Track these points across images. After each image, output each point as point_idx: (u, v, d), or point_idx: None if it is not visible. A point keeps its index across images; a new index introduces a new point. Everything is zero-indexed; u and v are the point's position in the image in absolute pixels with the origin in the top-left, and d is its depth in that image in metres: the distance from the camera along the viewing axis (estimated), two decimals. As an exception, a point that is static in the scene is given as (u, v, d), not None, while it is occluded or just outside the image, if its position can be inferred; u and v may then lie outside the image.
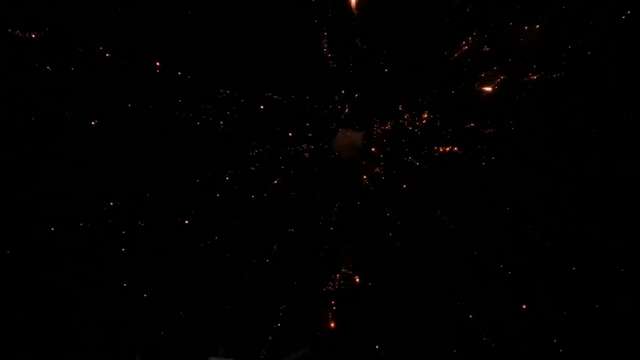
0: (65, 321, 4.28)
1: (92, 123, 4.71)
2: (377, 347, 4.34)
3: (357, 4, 4.55)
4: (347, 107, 4.81)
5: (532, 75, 4.54)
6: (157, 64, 4.61)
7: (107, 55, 4.61)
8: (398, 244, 4.71)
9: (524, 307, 4.28)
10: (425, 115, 4.74)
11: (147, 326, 4.26)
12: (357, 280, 4.71)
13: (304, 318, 4.43)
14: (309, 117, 4.82)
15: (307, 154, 4.76)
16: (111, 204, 4.61)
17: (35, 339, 4.21)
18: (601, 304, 4.17)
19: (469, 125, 4.68)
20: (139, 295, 4.43)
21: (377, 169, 4.78)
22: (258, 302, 4.42)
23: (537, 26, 4.57)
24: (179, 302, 4.33)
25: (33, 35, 4.41)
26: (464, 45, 4.66)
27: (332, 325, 4.51)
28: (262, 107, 4.78)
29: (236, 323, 4.22)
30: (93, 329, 4.30)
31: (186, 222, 4.76)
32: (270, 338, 4.25)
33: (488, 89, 4.67)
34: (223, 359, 3.60)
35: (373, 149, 4.75)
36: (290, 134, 4.81)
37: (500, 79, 4.63)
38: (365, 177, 4.79)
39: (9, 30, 4.35)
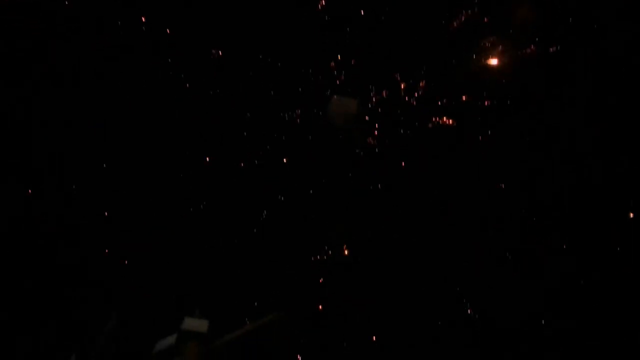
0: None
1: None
2: (361, 317, 4.15)
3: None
4: (343, 74, 4.71)
5: (532, 47, 4.46)
6: (143, 19, 4.52)
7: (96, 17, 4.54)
8: (389, 217, 4.56)
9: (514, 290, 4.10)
10: (422, 85, 4.63)
11: (122, 287, 4.08)
12: (346, 252, 4.54)
13: (287, 286, 4.26)
14: (303, 83, 4.72)
15: (299, 120, 4.64)
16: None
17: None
18: (603, 303, 3.99)
19: (465, 97, 4.58)
20: (116, 257, 4.26)
21: (370, 140, 4.65)
22: (239, 266, 4.25)
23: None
24: (156, 263, 4.16)
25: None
26: (463, 15, 4.59)
27: (317, 294, 4.33)
28: (253, 70, 4.69)
29: (213, 285, 4.04)
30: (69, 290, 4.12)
31: (172, 187, 4.62)
32: (255, 304, 4.07)
33: (487, 60, 4.58)
34: (199, 320, 3.41)
35: (367, 118, 4.64)
36: (282, 100, 4.71)
37: (499, 50, 4.55)
38: (358, 147, 4.66)
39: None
